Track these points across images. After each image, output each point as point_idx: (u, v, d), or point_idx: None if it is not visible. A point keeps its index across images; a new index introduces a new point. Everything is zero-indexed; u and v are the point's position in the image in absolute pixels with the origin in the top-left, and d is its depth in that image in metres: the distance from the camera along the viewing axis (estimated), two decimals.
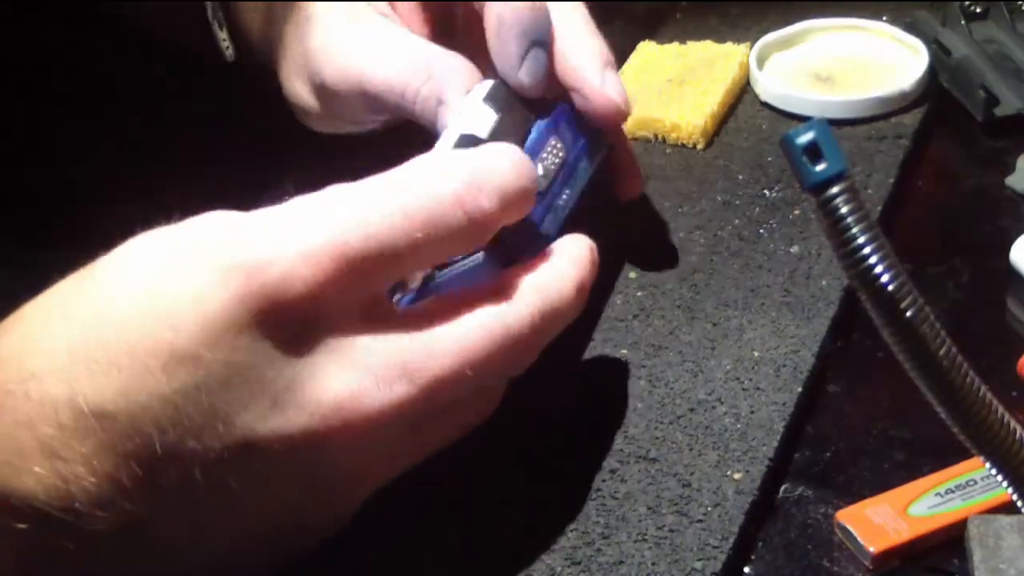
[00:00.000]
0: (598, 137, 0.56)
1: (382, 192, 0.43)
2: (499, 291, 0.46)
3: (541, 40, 0.54)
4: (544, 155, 0.53)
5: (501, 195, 0.45)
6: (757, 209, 0.66)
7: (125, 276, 0.41)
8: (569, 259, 0.48)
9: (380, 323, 0.43)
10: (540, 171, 0.52)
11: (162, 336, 0.39)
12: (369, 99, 0.56)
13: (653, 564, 0.47)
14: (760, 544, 0.49)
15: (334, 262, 0.41)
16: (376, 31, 0.56)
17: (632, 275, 0.62)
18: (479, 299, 0.45)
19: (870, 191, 0.66)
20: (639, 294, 0.61)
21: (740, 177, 0.69)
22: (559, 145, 0.54)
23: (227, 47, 0.65)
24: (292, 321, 0.41)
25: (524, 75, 0.53)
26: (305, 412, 0.41)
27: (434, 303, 0.46)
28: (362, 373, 0.42)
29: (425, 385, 0.43)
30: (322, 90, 0.58)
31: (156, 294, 0.40)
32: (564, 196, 0.53)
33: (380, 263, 0.42)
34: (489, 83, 0.53)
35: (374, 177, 0.44)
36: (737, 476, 0.50)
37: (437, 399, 0.44)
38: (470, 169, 0.44)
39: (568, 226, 0.53)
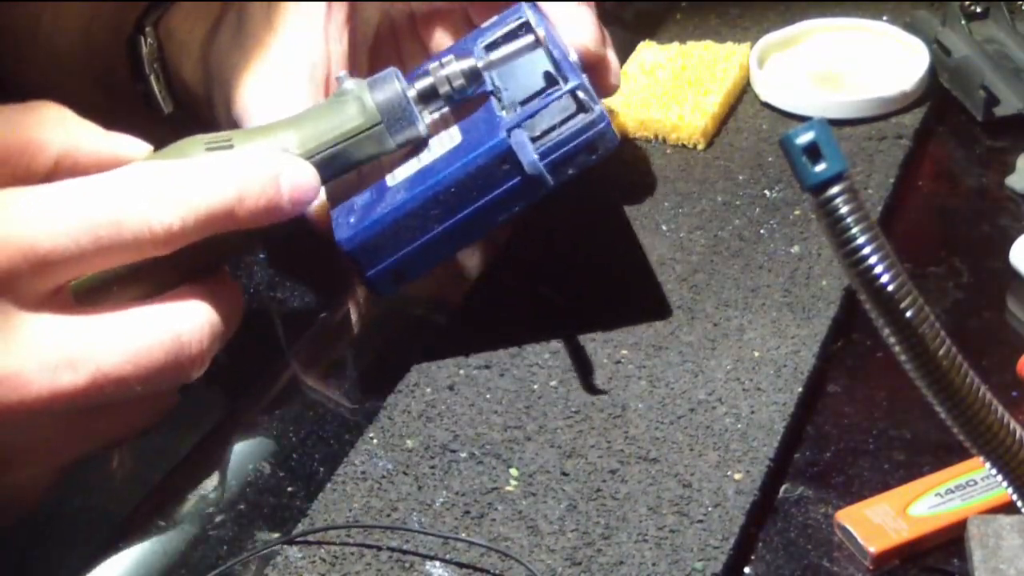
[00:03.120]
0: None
1: (75, 198, 0.46)
2: (172, 300, 0.49)
3: None
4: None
5: (187, 211, 0.47)
6: (757, 209, 0.66)
7: None
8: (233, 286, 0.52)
9: (58, 313, 0.46)
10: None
11: None
12: None
13: (654, 564, 0.47)
14: (760, 544, 0.49)
15: (21, 253, 0.44)
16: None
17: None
18: (153, 303, 0.48)
19: (870, 191, 0.66)
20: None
21: (740, 177, 0.69)
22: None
23: (164, 99, 0.65)
24: None
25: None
26: None
27: (109, 304, 0.48)
28: (26, 355, 0.44)
29: (89, 376, 0.45)
30: None
31: None
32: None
33: (64, 261, 0.45)
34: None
35: (72, 181, 0.47)
36: (737, 476, 0.51)
37: (102, 393, 0.46)
38: (160, 183, 0.47)
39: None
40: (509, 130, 0.53)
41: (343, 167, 0.54)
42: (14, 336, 0.44)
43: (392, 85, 0.54)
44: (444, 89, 0.55)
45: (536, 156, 0.52)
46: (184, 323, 0.48)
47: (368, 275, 0.55)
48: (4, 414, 0.44)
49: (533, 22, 0.56)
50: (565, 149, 0.53)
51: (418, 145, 0.56)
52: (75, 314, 0.46)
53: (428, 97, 0.55)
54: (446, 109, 0.57)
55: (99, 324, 0.46)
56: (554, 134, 0.53)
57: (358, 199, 0.56)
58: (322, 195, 0.57)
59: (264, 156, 0.51)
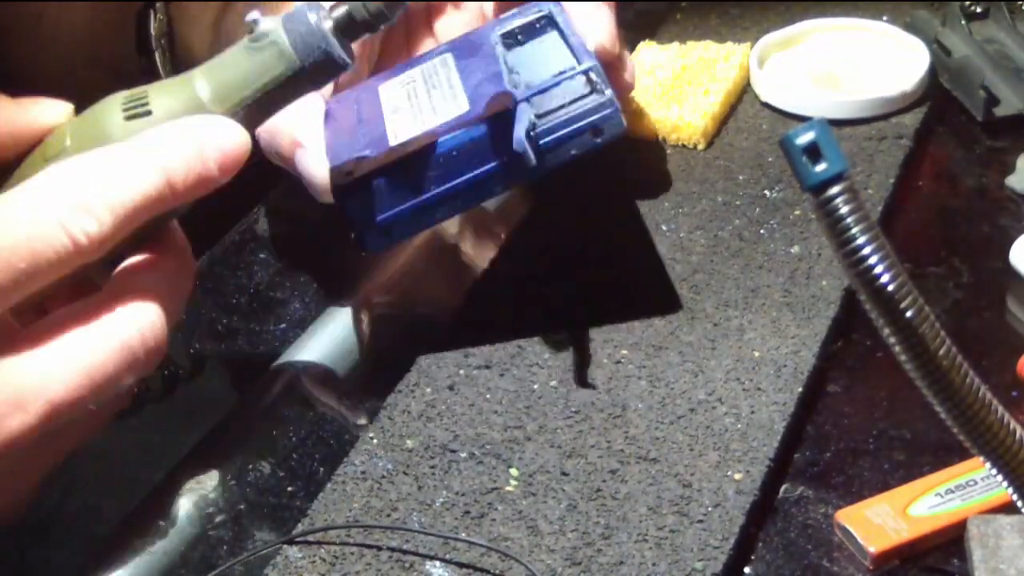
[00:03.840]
0: None
1: None
2: (113, 303, 0.44)
3: None
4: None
5: (113, 211, 0.43)
6: (757, 209, 0.66)
7: None
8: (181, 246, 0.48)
9: None
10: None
11: None
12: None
13: (654, 564, 0.47)
14: (760, 544, 0.49)
15: None
16: None
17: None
18: (95, 313, 0.44)
19: (870, 191, 0.66)
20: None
21: (740, 177, 0.69)
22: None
23: (168, 75, 0.63)
24: None
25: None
26: None
27: (49, 323, 0.44)
28: None
29: (42, 413, 0.42)
30: None
31: None
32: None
33: None
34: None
35: None
36: (737, 476, 0.51)
37: (57, 422, 0.43)
38: (75, 189, 0.43)
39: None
40: (517, 103, 0.53)
41: (269, 112, 0.51)
42: None
43: (306, 22, 0.50)
44: (361, 16, 0.51)
45: (524, 136, 0.51)
46: (132, 328, 0.44)
47: (361, 230, 0.55)
48: None
49: (554, 14, 0.56)
50: (570, 128, 0.53)
51: (414, 92, 0.56)
52: (11, 350, 0.43)
53: (346, 28, 0.51)
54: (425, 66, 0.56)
55: (42, 355, 0.43)
56: (561, 112, 0.53)
57: (354, 147, 0.55)
58: (282, 137, 0.56)
59: (184, 127, 0.47)
